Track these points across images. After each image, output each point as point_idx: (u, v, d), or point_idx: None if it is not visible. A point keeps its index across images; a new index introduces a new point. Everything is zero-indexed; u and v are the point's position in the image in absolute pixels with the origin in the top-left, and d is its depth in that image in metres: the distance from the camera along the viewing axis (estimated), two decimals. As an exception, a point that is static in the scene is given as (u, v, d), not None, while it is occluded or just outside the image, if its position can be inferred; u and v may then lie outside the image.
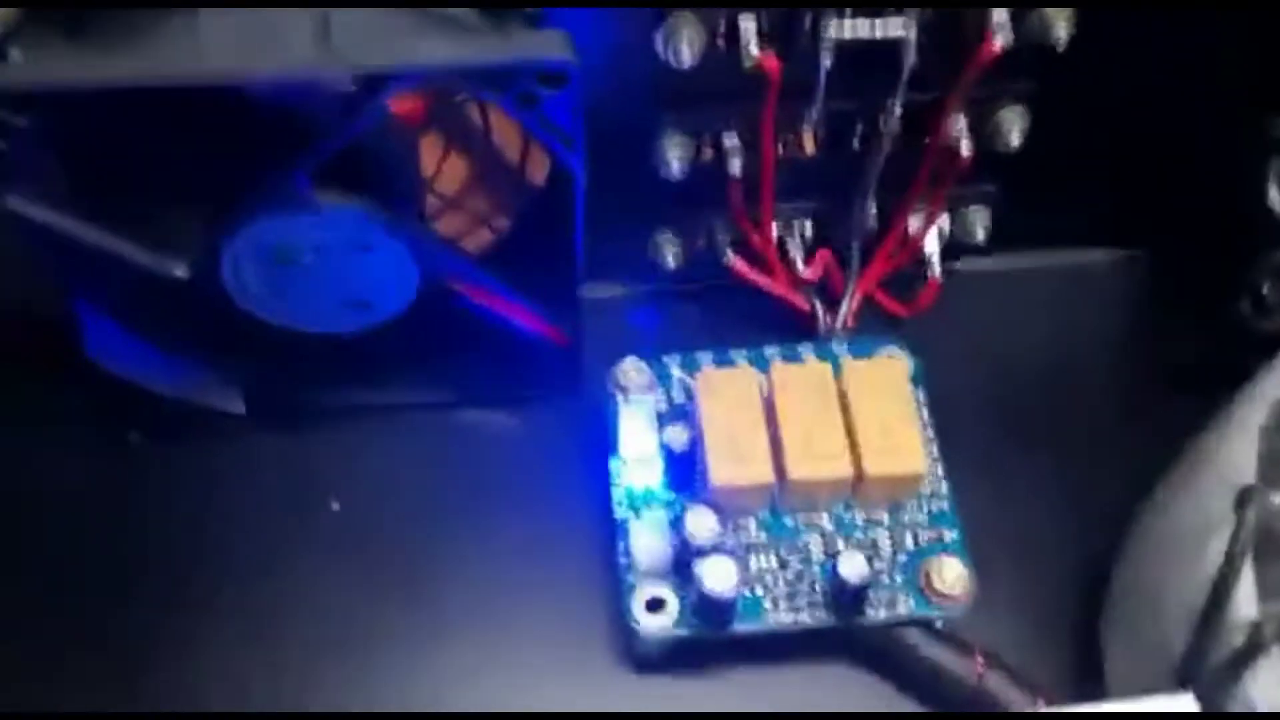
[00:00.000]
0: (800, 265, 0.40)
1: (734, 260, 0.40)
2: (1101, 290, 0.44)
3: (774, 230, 0.40)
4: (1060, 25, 0.33)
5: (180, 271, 0.32)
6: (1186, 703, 0.25)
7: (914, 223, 0.40)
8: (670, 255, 0.40)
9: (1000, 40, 0.33)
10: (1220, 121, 0.39)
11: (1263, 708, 0.25)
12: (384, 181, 0.32)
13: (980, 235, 0.41)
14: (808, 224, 0.40)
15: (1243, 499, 0.26)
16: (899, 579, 0.34)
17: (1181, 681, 0.27)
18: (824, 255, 0.40)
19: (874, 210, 0.40)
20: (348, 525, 0.37)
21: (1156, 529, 0.31)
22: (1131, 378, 0.42)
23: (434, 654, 0.36)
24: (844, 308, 0.40)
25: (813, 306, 0.40)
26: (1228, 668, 0.26)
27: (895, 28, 0.33)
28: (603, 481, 0.36)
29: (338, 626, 0.36)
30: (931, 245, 0.41)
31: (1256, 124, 0.38)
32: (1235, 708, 0.26)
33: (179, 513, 0.37)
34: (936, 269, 0.41)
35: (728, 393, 0.35)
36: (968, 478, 0.37)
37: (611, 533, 0.35)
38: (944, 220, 0.41)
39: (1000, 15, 0.33)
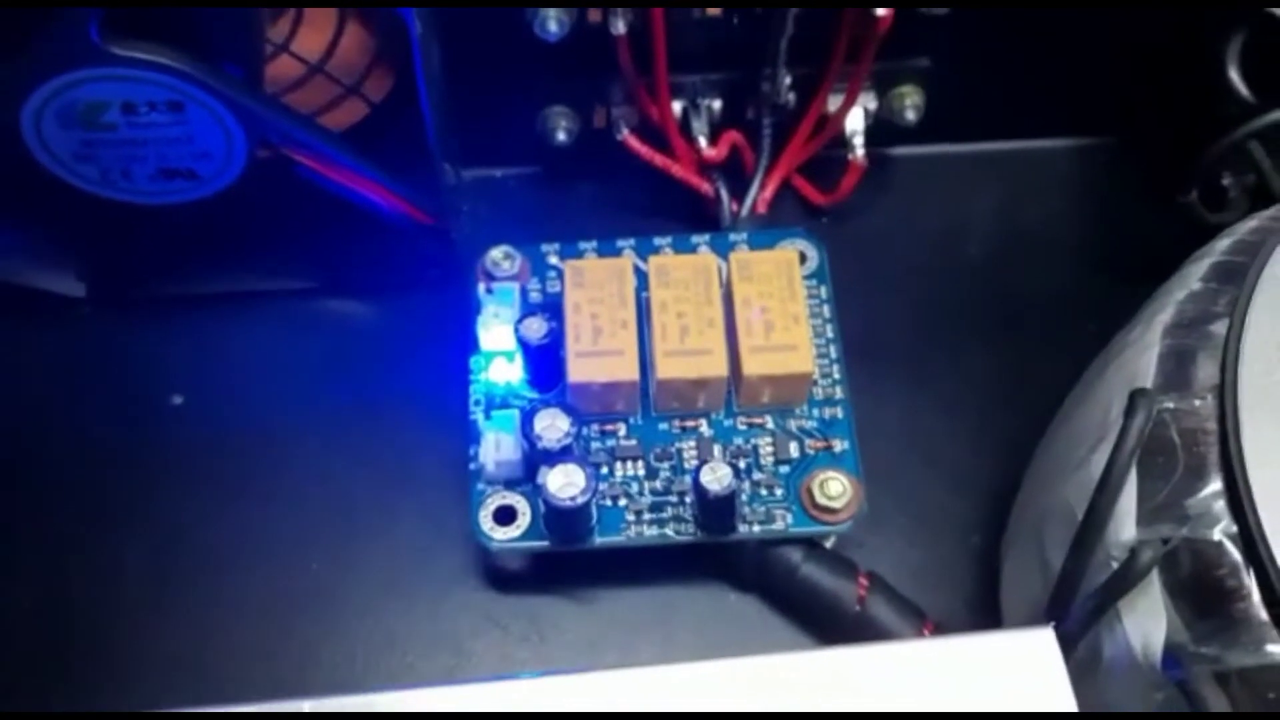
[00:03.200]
0: (705, 145, 0.36)
1: (629, 137, 0.36)
2: (1054, 181, 0.39)
3: (676, 106, 0.36)
4: None
5: (-25, 132, 0.29)
6: (1045, 639, 0.22)
7: (835, 100, 0.36)
8: (562, 131, 0.36)
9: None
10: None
11: (1135, 642, 0.22)
12: (199, 31, 0.28)
13: (911, 117, 0.37)
14: (716, 101, 0.36)
15: (1131, 404, 0.22)
16: (779, 492, 0.30)
17: (1052, 609, 0.23)
18: (732, 135, 0.36)
19: (788, 82, 0.35)
20: (190, 421, 0.34)
21: (1059, 438, 0.28)
22: (1080, 275, 0.37)
23: (282, 563, 0.33)
24: (752, 193, 0.36)
25: (717, 192, 0.36)
26: (1100, 596, 0.22)
27: None
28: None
29: (176, 527, 0.33)
30: (854, 125, 0.36)
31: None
32: (1107, 641, 0.23)
33: (7, 400, 0.34)
34: (860, 152, 0.36)
35: (597, 283, 0.31)
36: (875, 384, 0.34)
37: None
38: (870, 99, 0.36)
39: None
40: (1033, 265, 0.38)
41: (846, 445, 0.31)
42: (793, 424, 0.31)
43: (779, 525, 0.30)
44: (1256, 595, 0.21)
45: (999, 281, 0.38)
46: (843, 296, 0.34)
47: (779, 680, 0.22)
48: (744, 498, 0.30)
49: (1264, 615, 0.20)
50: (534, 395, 0.32)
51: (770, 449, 0.31)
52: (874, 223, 0.38)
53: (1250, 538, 0.21)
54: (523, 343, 0.30)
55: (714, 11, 0.34)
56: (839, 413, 0.32)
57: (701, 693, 0.22)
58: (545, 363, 0.31)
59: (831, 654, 0.22)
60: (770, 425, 0.31)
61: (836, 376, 0.32)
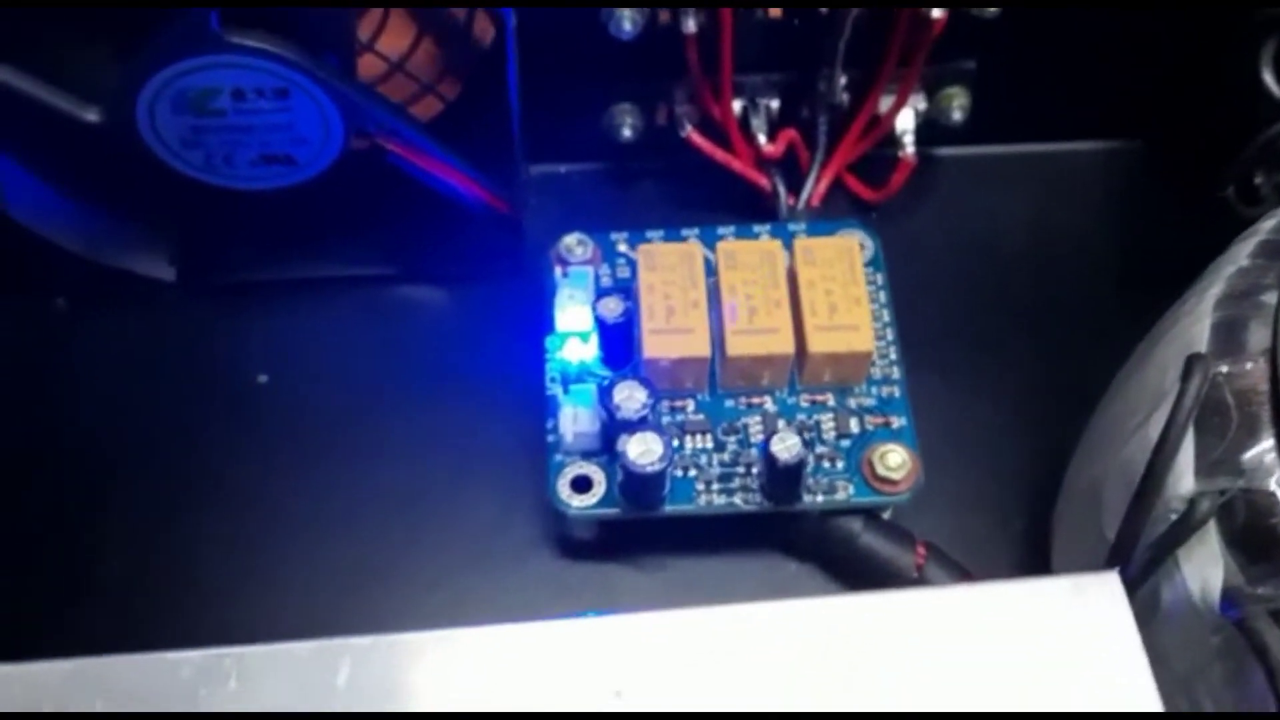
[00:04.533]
0: (764, 142, 0.38)
1: (692, 134, 0.38)
2: (1090, 182, 0.41)
3: (737, 105, 0.38)
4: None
5: (93, 116, 0.31)
6: (1111, 582, 0.23)
7: (886, 101, 0.38)
8: (627, 128, 0.38)
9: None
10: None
11: (1194, 588, 0.23)
12: (303, 23, 0.30)
13: (958, 117, 0.39)
14: (774, 101, 0.38)
15: (1188, 368, 0.24)
16: (840, 465, 0.32)
17: (1112, 559, 0.25)
18: (789, 133, 0.38)
19: (843, 83, 0.37)
20: (275, 399, 0.36)
21: (1110, 410, 0.29)
22: (1114, 271, 0.39)
23: (357, 534, 0.34)
24: (808, 187, 0.38)
25: (774, 186, 0.38)
26: (1159, 545, 0.24)
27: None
28: (542, 359, 0.34)
29: (259, 502, 0.35)
30: (905, 125, 0.38)
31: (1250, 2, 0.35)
32: (1166, 589, 0.24)
33: (101, 379, 0.36)
34: (910, 150, 0.38)
35: (669, 266, 0.33)
36: (928, 366, 0.35)
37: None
38: (920, 100, 0.38)
39: None
40: (1071, 259, 0.40)
41: (904, 421, 0.33)
42: (852, 401, 0.33)
43: (841, 495, 0.32)
44: (1308, 539, 0.22)
45: (1039, 274, 0.39)
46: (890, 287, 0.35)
47: (836, 622, 0.23)
48: (808, 470, 0.32)
49: (1316, 557, 0.22)
50: (606, 373, 0.33)
51: (832, 424, 0.33)
52: (920, 217, 0.40)
53: (1302, 486, 0.22)
54: (599, 321, 0.32)
55: (776, 14, 0.36)
56: (896, 392, 0.33)
57: (753, 634, 0.23)
58: (619, 340, 0.33)
59: (891, 597, 0.24)
60: (831, 402, 0.33)
61: (893, 357, 0.34)
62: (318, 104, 0.31)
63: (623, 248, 0.36)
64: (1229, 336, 0.25)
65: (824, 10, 0.35)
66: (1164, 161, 0.41)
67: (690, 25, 0.34)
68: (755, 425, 0.33)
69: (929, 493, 0.34)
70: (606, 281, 0.35)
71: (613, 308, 0.32)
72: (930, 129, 0.39)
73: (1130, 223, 0.41)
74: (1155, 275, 0.38)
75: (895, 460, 0.32)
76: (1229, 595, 0.23)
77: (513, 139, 0.33)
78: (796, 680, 0.23)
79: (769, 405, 0.33)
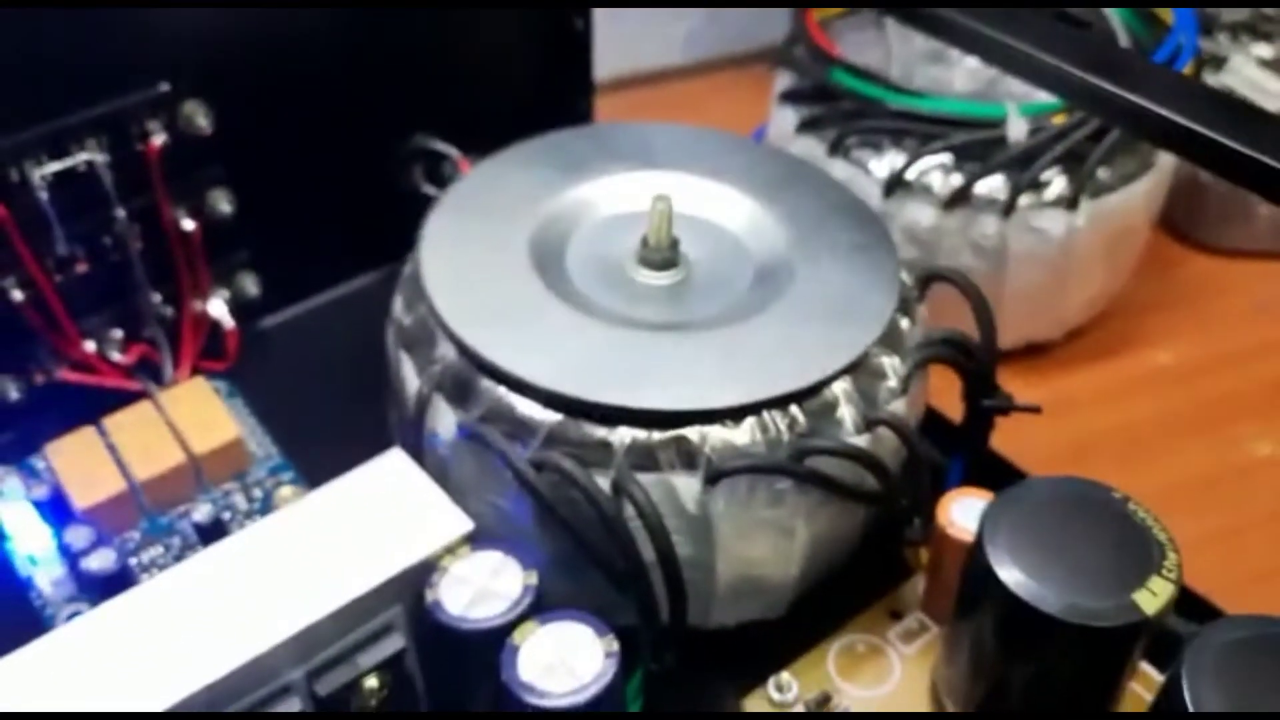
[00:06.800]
0: (120, 358, 0.50)
1: (67, 374, 0.49)
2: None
3: (89, 345, 0.50)
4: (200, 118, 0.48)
5: None
6: (397, 454, 0.38)
7: (199, 302, 0.52)
8: (14, 391, 0.49)
9: (158, 139, 0.47)
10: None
11: (443, 434, 0.39)
12: None
13: (254, 291, 0.54)
14: (117, 330, 0.51)
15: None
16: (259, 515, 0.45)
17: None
18: (139, 347, 0.51)
19: (158, 302, 0.51)
20: None
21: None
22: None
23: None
24: (167, 375, 0.51)
25: (145, 383, 0.50)
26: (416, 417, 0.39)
27: (84, 155, 0.46)
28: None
29: None
30: (219, 311, 0.53)
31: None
32: (440, 449, 0.39)
33: None
34: (230, 325, 0.52)
35: (73, 448, 0.45)
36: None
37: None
38: (223, 290, 0.53)
39: (153, 123, 0.47)
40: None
41: (291, 475, 0.46)
42: (250, 479, 0.46)
43: (266, 534, 0.44)
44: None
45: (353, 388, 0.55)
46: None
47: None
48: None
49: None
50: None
51: (243, 497, 0.45)
52: (259, 368, 0.54)
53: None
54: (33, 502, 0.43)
55: (85, 270, 0.49)
56: (277, 460, 0.47)
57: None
58: (55, 511, 0.43)
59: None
60: (235, 487, 0.46)
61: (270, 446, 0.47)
62: None
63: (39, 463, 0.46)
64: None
65: (115, 257, 0.49)
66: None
67: (17, 295, 0.46)
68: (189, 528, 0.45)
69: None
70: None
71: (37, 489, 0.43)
72: (242, 304, 0.54)
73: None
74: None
75: (289, 491, 0.45)
76: (461, 427, 0.39)
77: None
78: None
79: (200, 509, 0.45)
